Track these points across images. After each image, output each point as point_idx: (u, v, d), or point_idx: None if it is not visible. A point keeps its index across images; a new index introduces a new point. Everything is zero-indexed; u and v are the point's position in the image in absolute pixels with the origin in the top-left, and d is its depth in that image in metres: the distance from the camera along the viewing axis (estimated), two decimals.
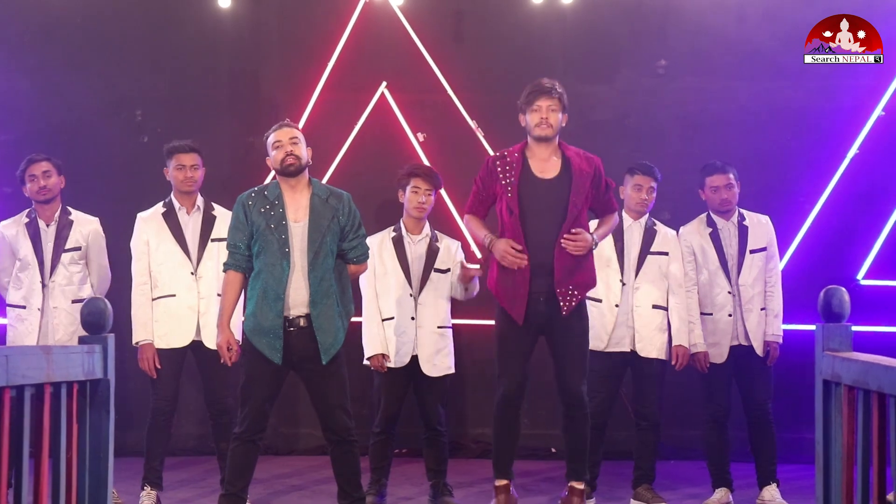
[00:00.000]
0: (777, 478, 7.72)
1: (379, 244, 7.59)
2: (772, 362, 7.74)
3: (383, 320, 7.60)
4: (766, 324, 7.72)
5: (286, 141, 6.64)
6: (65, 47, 9.73)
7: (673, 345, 7.74)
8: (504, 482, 6.67)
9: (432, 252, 7.64)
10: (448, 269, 7.66)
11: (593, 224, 7.18)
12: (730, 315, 7.70)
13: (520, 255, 6.57)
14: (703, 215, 7.88)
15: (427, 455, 7.73)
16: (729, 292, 7.72)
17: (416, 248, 7.64)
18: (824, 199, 9.48)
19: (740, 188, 7.84)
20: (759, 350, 7.68)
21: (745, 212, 7.86)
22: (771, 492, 7.67)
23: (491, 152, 9.26)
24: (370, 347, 7.59)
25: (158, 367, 7.46)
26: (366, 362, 7.60)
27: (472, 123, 9.50)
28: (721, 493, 7.70)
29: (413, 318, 7.57)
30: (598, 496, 7.81)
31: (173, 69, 9.78)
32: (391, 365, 7.57)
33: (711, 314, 7.74)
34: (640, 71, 9.76)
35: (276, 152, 6.65)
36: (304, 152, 6.65)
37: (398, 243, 7.65)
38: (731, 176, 7.79)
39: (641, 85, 9.73)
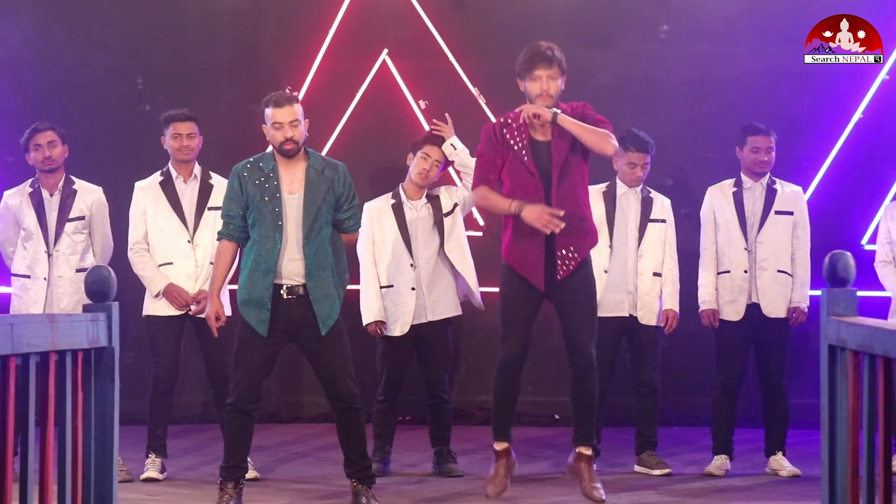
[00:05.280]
0: (785, 447, 7.73)
1: (377, 211, 7.57)
2: (794, 324, 7.75)
3: (381, 287, 7.60)
4: (793, 290, 7.73)
5: (286, 124, 6.54)
6: (66, 15, 9.70)
7: (663, 308, 7.76)
8: (505, 445, 6.66)
9: (437, 208, 7.62)
10: (455, 206, 7.64)
11: (593, 190, 7.17)
12: (745, 272, 7.71)
13: (558, 219, 6.39)
14: (734, 178, 7.87)
15: (431, 422, 7.74)
16: (745, 249, 7.73)
17: (417, 213, 7.62)
18: (828, 163, 9.47)
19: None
20: (766, 311, 7.67)
21: (777, 179, 7.85)
22: (779, 461, 7.68)
23: (493, 119, 9.23)
24: (368, 314, 7.61)
25: (186, 300, 7.47)
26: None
27: (474, 90, 9.47)
28: (721, 461, 7.72)
29: (413, 289, 7.56)
30: (601, 462, 7.82)
31: (174, 37, 9.74)
32: (390, 333, 7.58)
33: (729, 271, 7.75)
34: (641, 36, 9.72)
35: (275, 132, 6.57)
36: (303, 133, 6.58)
37: (398, 210, 7.63)
38: (773, 140, 7.80)
39: (643, 50, 9.70)
